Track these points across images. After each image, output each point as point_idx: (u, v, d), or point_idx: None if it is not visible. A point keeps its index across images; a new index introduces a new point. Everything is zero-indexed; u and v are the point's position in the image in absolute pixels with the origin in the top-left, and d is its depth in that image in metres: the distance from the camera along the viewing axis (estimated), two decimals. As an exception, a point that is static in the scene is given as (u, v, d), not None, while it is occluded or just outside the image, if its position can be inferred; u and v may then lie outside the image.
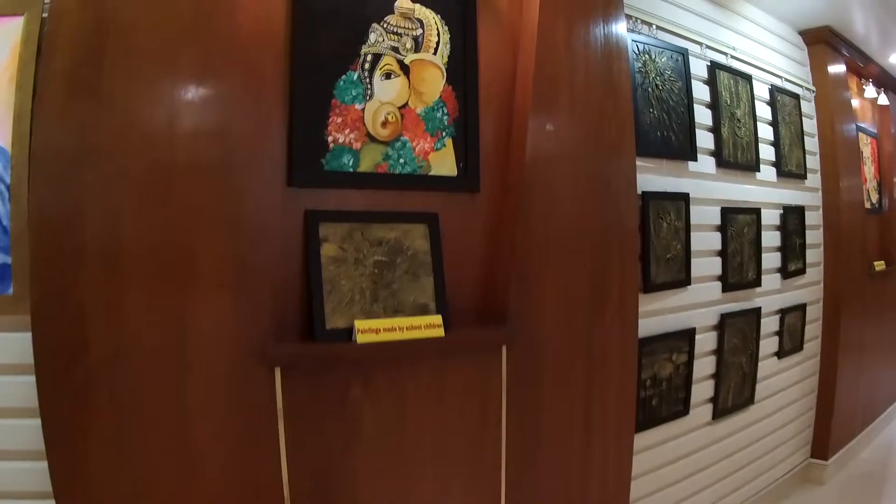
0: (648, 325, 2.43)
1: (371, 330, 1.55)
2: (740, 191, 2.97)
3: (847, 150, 3.82)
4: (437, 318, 1.64)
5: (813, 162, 3.61)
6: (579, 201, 1.96)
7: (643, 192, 2.43)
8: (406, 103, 1.76)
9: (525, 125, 1.84)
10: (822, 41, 3.65)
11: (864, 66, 4.11)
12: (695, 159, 2.67)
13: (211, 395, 1.39)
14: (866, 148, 4.17)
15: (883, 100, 4.32)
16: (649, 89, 2.50)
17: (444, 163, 1.81)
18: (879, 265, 4.15)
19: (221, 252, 1.40)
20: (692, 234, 2.65)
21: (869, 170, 4.21)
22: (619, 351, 2.06)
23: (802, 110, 3.49)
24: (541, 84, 1.85)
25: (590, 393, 1.97)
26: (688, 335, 2.66)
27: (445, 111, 1.81)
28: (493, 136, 1.88)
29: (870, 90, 4.15)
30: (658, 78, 2.54)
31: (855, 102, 4.20)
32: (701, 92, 2.78)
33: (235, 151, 1.42)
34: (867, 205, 4.12)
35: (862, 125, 4.13)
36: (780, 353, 3.29)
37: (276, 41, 1.56)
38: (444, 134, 1.81)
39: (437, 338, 1.62)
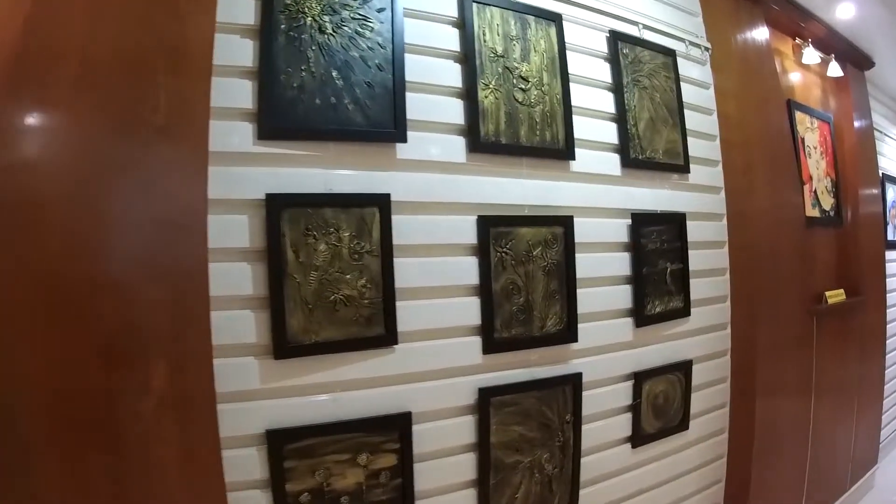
0: (299, 409, 1.50)
1: None
2: (532, 189, 1.89)
3: (773, 135, 2.67)
4: None
5: (707, 150, 2.47)
6: (90, 218, 1.21)
7: (270, 196, 1.44)
8: None
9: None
10: (720, -21, 2.53)
11: (804, 25, 2.93)
12: (404, 140, 1.63)
13: None
14: (811, 134, 2.96)
15: (835, 70, 3.08)
16: (305, 35, 1.52)
17: None
18: (835, 296, 2.93)
19: None
20: (400, 259, 1.61)
21: (818, 165, 3.00)
22: (179, 464, 1.29)
23: (682, 74, 2.37)
24: None
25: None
26: (396, 424, 1.60)
27: None
28: None
29: (810, 54, 2.92)
30: (327, 16, 1.55)
31: (796, 76, 3.02)
32: (435, 36, 1.76)
33: None
34: (814, 212, 2.92)
35: (801, 104, 2.94)
36: (637, 439, 2.15)
37: None
38: None
39: None
